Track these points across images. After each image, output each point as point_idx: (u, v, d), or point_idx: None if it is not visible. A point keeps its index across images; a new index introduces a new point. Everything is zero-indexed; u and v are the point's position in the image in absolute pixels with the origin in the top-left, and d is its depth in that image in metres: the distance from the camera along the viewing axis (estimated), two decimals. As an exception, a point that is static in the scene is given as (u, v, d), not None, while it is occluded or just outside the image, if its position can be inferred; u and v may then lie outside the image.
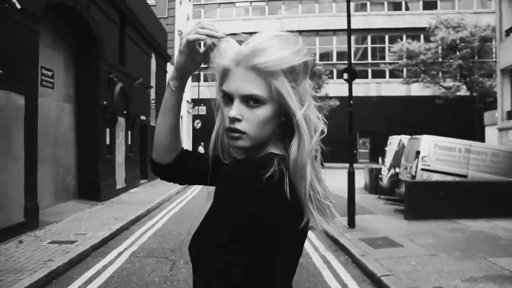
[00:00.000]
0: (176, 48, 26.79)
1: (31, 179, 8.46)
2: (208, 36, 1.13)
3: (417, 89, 32.86)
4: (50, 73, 10.55)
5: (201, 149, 30.53)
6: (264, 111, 1.07)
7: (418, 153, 11.24)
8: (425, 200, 10.01)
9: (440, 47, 26.87)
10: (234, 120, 1.07)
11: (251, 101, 1.07)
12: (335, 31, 37.19)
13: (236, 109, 1.07)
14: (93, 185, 12.41)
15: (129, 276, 6.04)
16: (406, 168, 12.07)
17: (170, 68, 24.68)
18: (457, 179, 11.00)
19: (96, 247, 7.50)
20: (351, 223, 8.96)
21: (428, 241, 7.77)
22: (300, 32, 38.69)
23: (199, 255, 1.10)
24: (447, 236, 8.19)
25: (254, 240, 1.03)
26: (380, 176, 15.11)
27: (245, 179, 1.03)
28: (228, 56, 1.09)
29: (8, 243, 7.33)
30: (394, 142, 14.94)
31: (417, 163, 11.16)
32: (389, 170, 14.25)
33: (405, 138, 13.96)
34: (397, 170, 13.34)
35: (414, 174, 11.17)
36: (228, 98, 1.10)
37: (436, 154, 11.17)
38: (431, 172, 11.09)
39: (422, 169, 11.10)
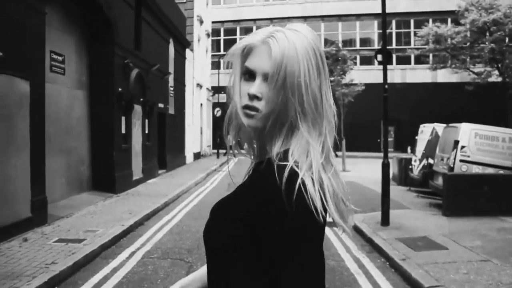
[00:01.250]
0: (195, 34, 26.02)
1: (38, 172, 7.85)
2: None
3: (444, 75, 31.48)
4: (60, 58, 9.91)
5: None
6: None
7: (456, 142, 10.26)
8: (466, 195, 9.07)
9: (469, 31, 25.49)
10: (253, 97, 1.01)
11: None
12: (358, 16, 35.95)
13: (258, 87, 1.01)
14: (107, 176, 11.80)
15: (140, 283, 5.37)
16: (442, 159, 11.13)
17: (189, 54, 23.93)
18: (501, 171, 10.03)
19: (107, 246, 6.87)
20: (385, 221, 8.14)
21: (475, 242, 6.91)
22: (322, 17, 37.50)
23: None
24: (496, 237, 7.29)
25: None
26: (410, 167, 14.17)
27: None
28: (253, 37, 1.04)
29: (12, 241, 6.76)
30: (426, 130, 13.93)
31: (456, 153, 10.19)
32: (420, 160, 13.31)
33: (438, 127, 12.98)
34: (430, 161, 12.42)
35: (452, 165, 10.21)
36: (249, 76, 1.03)
37: (476, 144, 10.19)
38: (471, 163, 10.13)
39: (461, 160, 10.13)
